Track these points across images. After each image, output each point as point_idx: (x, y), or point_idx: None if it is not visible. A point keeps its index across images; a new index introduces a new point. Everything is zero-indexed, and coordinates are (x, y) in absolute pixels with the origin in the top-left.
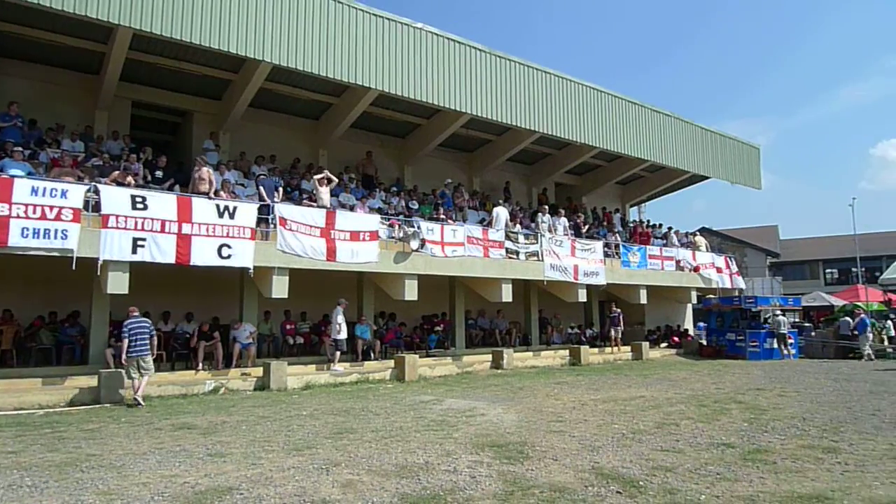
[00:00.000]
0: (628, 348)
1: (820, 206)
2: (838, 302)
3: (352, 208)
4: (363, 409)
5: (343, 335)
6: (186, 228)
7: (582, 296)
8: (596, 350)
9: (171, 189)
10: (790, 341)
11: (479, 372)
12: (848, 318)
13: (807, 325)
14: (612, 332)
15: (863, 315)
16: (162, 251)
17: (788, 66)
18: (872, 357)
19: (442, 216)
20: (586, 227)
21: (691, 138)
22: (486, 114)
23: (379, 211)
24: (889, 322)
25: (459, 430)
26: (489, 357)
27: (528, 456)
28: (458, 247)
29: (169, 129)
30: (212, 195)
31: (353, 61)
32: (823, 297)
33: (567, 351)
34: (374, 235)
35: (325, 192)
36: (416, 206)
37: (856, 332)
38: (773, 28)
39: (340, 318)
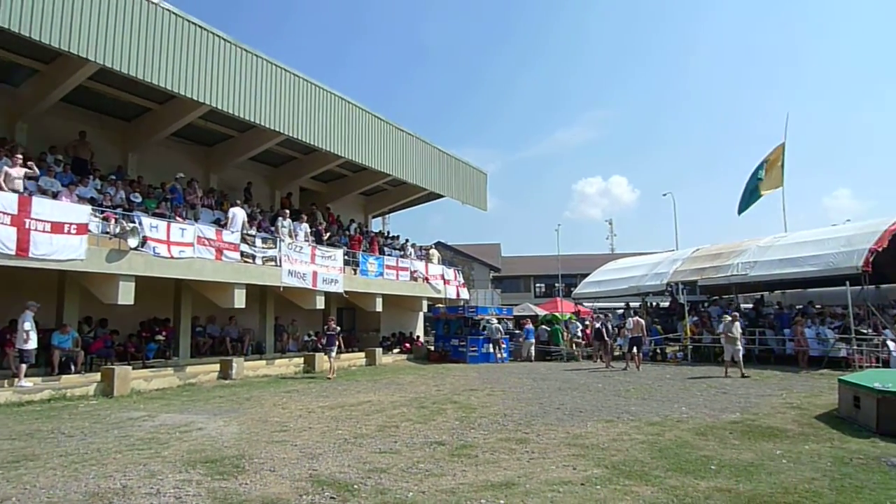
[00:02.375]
0: (362, 354)
1: (534, 229)
2: (542, 312)
3: (55, 195)
4: (53, 431)
5: (31, 345)
6: None
7: (320, 303)
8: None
9: None
10: (503, 346)
11: (205, 383)
12: (545, 327)
13: (517, 332)
14: (326, 355)
15: (527, 325)
16: None
17: (518, 108)
18: (532, 358)
19: (169, 213)
20: (328, 234)
21: (429, 158)
22: (228, 107)
23: (92, 201)
24: (579, 328)
25: (170, 447)
26: (217, 367)
27: (243, 469)
28: (186, 247)
29: None
30: None
31: (66, 24)
32: (531, 308)
33: (302, 359)
34: (82, 229)
35: (17, 173)
36: (140, 200)
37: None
38: (530, 77)
39: (28, 325)
